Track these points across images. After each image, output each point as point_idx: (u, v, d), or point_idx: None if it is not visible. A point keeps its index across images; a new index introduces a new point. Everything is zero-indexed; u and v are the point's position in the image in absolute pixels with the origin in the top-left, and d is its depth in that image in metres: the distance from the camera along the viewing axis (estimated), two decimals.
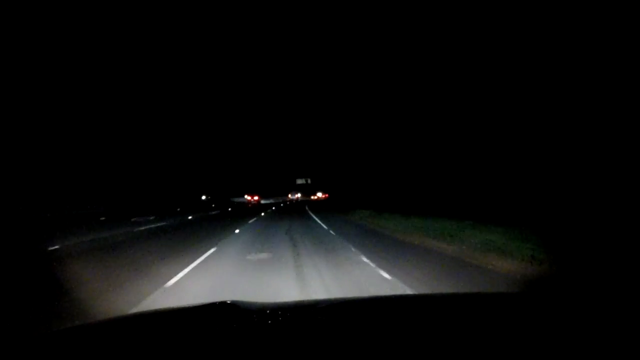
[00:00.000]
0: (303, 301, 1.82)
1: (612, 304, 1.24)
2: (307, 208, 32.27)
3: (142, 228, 13.21)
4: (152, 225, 14.42)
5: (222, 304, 1.24)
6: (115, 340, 1.00)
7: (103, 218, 19.24)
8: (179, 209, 31.69)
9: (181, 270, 5.47)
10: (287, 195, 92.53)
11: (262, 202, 67.20)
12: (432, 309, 1.31)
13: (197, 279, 4.95)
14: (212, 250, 7.49)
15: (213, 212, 26.87)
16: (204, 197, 68.43)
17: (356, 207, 24.42)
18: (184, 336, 0.97)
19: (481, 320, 1.11)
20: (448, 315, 1.20)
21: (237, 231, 11.72)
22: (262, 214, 23.20)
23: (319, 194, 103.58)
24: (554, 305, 1.29)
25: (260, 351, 0.85)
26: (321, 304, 1.34)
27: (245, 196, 72.69)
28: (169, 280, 4.84)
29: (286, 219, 17.87)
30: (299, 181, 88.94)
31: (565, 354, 0.81)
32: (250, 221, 16.46)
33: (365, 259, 6.19)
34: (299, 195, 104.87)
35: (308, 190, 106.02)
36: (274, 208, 33.81)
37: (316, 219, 17.49)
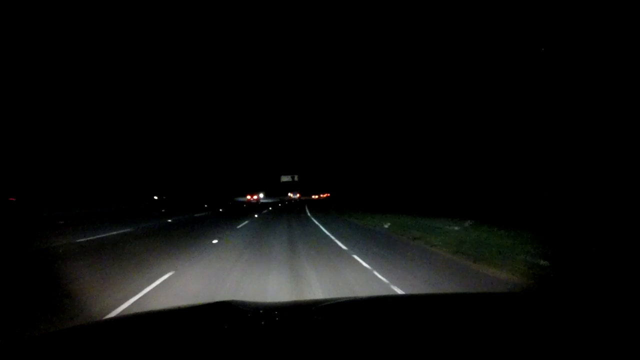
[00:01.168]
0: (302, 301, 1.84)
1: (612, 304, 1.28)
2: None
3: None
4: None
5: (222, 304, 1.27)
6: (115, 340, 1.02)
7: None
8: None
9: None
10: (253, 195, 75.70)
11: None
12: (431, 309, 1.35)
13: None
14: None
15: None
16: None
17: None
18: (183, 336, 1.00)
19: (480, 320, 1.14)
20: (447, 315, 1.23)
21: None
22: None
23: (296, 194, 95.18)
24: (554, 305, 1.32)
25: (260, 351, 0.88)
26: (320, 304, 1.33)
27: (247, 196, 68.11)
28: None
29: None
30: (284, 178, 77.84)
31: (566, 354, 0.82)
32: None
33: None
34: (299, 194, 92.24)
35: (295, 189, 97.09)
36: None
37: None
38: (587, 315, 1.13)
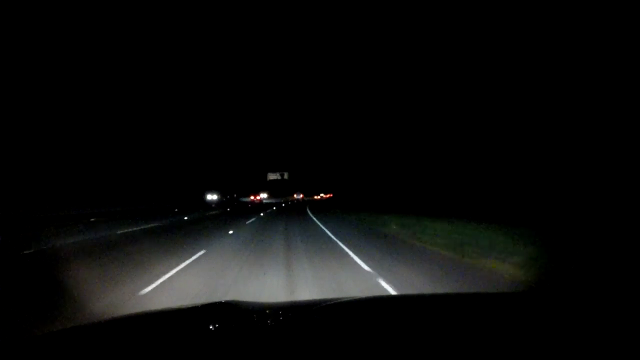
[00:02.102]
0: (302, 301, 1.85)
1: (612, 304, 1.29)
2: None
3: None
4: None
5: (222, 304, 1.29)
6: (115, 340, 1.04)
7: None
8: None
9: None
10: (256, 196, 68.71)
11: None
12: (431, 309, 1.37)
13: None
14: None
15: None
16: None
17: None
18: (184, 336, 1.01)
19: (481, 320, 1.15)
20: (447, 316, 1.25)
21: None
22: None
23: (299, 194, 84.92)
24: (554, 305, 1.34)
25: (260, 351, 0.89)
26: (320, 304, 1.35)
27: (250, 196, 65.44)
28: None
29: None
30: (272, 176, 69.47)
31: (566, 354, 0.83)
32: None
33: None
34: (302, 195, 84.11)
35: (284, 189, 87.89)
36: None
37: None
38: (587, 315, 1.15)
